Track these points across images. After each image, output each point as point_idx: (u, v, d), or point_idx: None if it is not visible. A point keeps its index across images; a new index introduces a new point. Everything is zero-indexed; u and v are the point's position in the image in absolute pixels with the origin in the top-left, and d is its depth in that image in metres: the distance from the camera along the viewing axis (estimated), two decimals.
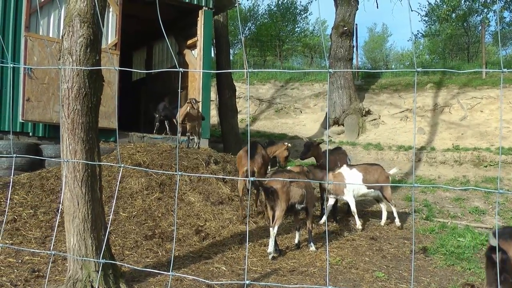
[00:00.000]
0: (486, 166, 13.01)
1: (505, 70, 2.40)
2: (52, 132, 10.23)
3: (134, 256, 6.88)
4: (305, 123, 18.51)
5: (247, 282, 2.42)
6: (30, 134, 10.20)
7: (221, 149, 13.62)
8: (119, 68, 3.32)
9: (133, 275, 6.06)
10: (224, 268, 6.68)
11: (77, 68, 5.28)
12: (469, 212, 10.45)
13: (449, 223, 9.67)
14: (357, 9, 17.69)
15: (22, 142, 9.97)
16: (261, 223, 8.77)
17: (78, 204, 5.34)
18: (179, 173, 2.66)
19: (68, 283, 5.32)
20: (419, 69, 2.22)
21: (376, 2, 21.54)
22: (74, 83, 5.31)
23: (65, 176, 5.38)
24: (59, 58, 5.47)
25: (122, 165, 2.76)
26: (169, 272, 2.89)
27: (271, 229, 7.27)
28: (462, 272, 7.14)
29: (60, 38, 5.54)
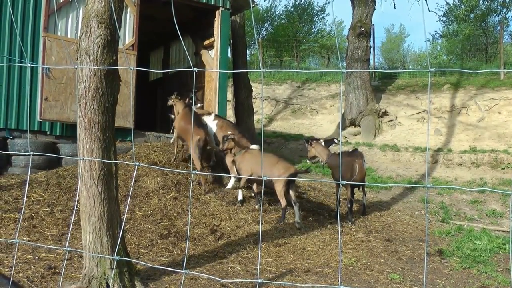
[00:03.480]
0: (503, 168, 12.89)
1: None
2: (69, 131, 10.33)
3: (150, 255, 6.92)
4: (321, 123, 18.48)
5: (260, 280, 2.43)
6: (48, 133, 10.31)
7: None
8: (135, 68, 3.35)
9: (148, 273, 6.10)
10: (239, 268, 6.70)
11: (94, 68, 5.33)
12: (486, 214, 10.37)
13: (465, 225, 9.60)
14: (374, 9, 17.62)
15: (39, 141, 10.09)
16: (274, 224, 8.76)
17: (94, 202, 5.39)
18: (194, 172, 2.69)
19: (84, 280, 5.37)
20: (432, 69, 2.22)
21: (394, 2, 21.43)
22: (91, 83, 5.36)
23: (82, 175, 5.43)
24: (77, 58, 5.53)
25: (137, 163, 2.79)
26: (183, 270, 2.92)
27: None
28: (478, 275, 7.09)
29: (78, 38, 5.60)
